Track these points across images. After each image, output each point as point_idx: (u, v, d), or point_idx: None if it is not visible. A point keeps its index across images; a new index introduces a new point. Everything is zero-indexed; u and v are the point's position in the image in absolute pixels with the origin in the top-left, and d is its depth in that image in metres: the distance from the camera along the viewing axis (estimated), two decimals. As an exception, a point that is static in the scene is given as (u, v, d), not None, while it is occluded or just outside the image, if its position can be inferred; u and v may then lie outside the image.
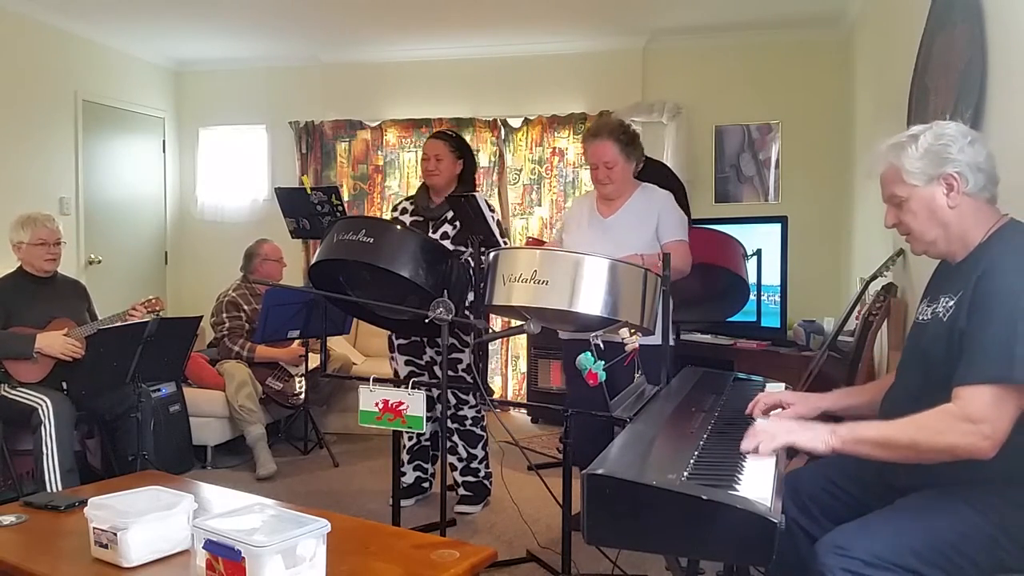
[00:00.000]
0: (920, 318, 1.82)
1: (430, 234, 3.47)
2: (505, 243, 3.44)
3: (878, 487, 1.81)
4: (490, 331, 2.90)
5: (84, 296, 3.80)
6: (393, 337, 3.64)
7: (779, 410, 2.00)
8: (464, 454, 3.65)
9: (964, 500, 1.59)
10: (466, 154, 3.58)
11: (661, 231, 3.01)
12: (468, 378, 3.52)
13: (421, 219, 3.52)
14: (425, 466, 3.76)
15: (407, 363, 3.62)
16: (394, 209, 3.74)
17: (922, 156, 1.67)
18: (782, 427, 1.73)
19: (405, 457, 3.74)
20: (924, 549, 1.54)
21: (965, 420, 1.52)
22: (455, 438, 3.65)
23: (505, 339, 5.66)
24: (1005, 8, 2.23)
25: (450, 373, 3.53)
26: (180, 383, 4.24)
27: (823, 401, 2.00)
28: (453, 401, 3.60)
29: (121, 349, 3.35)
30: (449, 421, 3.63)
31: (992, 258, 1.61)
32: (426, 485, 3.78)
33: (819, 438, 1.65)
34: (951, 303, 1.67)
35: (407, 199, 3.71)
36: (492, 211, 3.54)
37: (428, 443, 3.74)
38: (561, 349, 3.24)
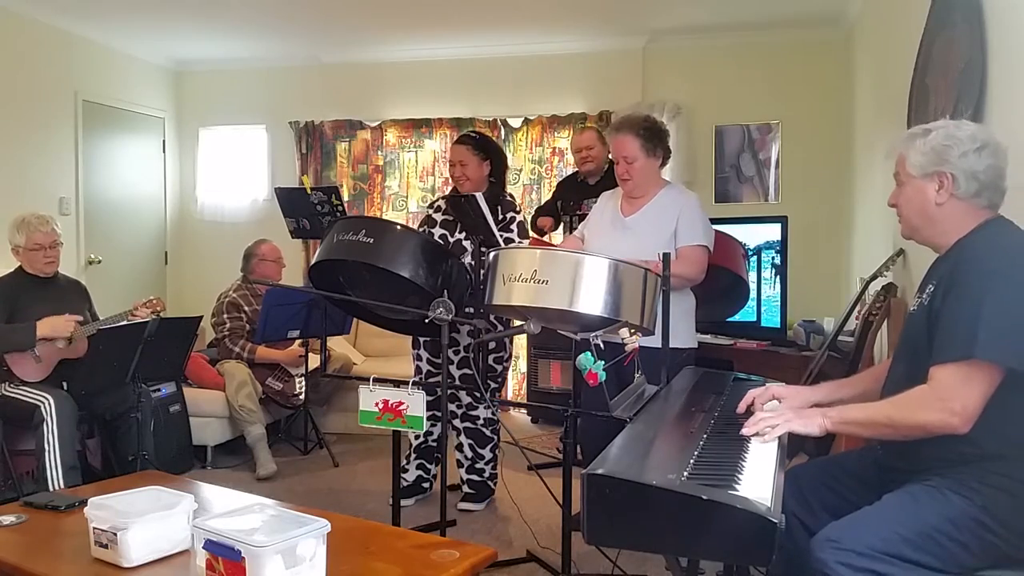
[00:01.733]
0: (910, 308, 1.89)
1: (457, 233, 3.50)
2: (520, 242, 3.47)
3: (877, 482, 1.84)
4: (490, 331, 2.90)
5: (85, 296, 3.80)
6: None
7: (772, 402, 2.02)
8: (470, 453, 3.66)
9: (949, 488, 1.64)
10: (492, 153, 3.55)
11: (678, 234, 2.89)
12: (474, 372, 3.54)
13: (451, 218, 3.53)
14: (428, 466, 3.77)
15: (428, 361, 3.62)
16: (429, 206, 3.76)
17: (926, 152, 1.76)
18: (781, 416, 1.80)
19: (412, 455, 3.75)
20: (914, 536, 1.58)
21: (936, 398, 1.62)
22: (462, 437, 3.65)
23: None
24: (1005, 8, 2.23)
25: (468, 372, 3.54)
26: (180, 383, 4.24)
27: (815, 394, 2.04)
28: (467, 400, 3.61)
29: (121, 349, 3.36)
30: (459, 420, 3.64)
31: (970, 246, 1.71)
32: (426, 485, 3.78)
33: (813, 422, 1.76)
34: (932, 290, 1.75)
35: (442, 197, 3.74)
36: (518, 211, 3.57)
37: (435, 443, 3.72)
38: (561, 349, 3.26)
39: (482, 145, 3.54)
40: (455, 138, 3.80)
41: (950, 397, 1.60)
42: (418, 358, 3.67)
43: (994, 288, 1.60)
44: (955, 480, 1.64)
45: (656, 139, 2.94)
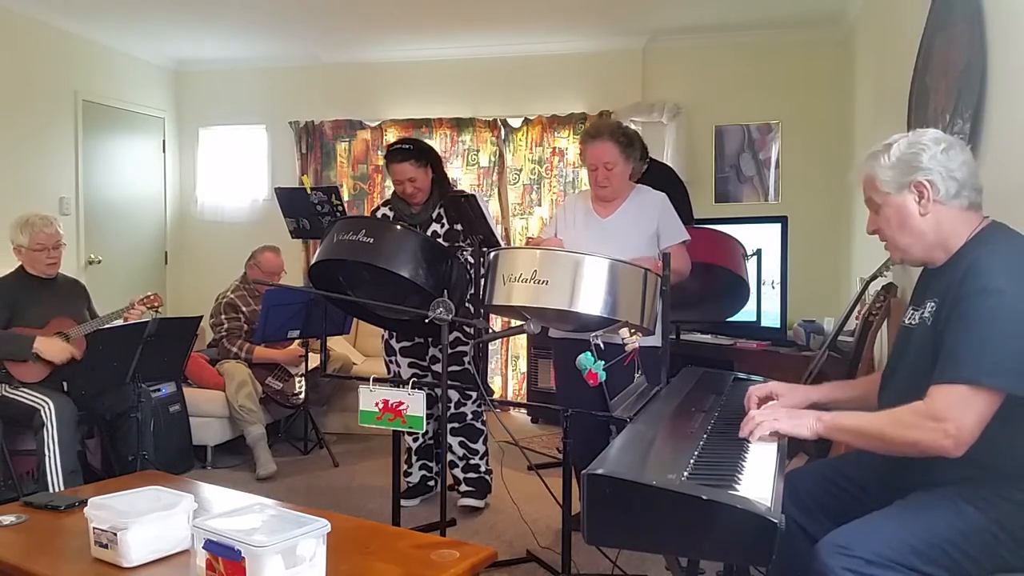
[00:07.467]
0: (906, 321, 1.83)
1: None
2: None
3: (877, 486, 1.82)
4: (490, 331, 2.90)
5: (84, 296, 3.80)
6: (393, 341, 3.63)
7: (771, 401, 2.00)
8: (462, 451, 3.66)
9: (964, 498, 1.60)
10: (430, 156, 3.50)
11: (663, 235, 2.99)
12: (473, 371, 3.53)
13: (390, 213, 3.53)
14: (431, 464, 3.78)
15: (410, 365, 3.62)
16: (375, 210, 3.71)
17: (893, 165, 1.70)
18: (769, 415, 1.78)
19: (413, 458, 3.76)
20: (925, 547, 1.55)
21: (930, 418, 1.56)
22: (450, 437, 3.65)
23: (505, 339, 5.66)
24: (1005, 8, 2.23)
25: (455, 368, 3.54)
26: (180, 383, 4.24)
27: (813, 393, 2.02)
28: (456, 398, 3.61)
29: (121, 349, 3.36)
30: (448, 419, 3.64)
31: (972, 260, 1.63)
32: (432, 483, 3.79)
33: (804, 424, 1.73)
34: (935, 307, 1.68)
35: (385, 204, 3.65)
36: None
37: (432, 442, 3.75)
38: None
39: (418, 153, 3.44)
40: (390, 154, 3.51)
41: (945, 418, 1.54)
42: (394, 363, 3.64)
43: (1000, 308, 1.53)
44: (969, 490, 1.60)
45: (632, 145, 3.02)
